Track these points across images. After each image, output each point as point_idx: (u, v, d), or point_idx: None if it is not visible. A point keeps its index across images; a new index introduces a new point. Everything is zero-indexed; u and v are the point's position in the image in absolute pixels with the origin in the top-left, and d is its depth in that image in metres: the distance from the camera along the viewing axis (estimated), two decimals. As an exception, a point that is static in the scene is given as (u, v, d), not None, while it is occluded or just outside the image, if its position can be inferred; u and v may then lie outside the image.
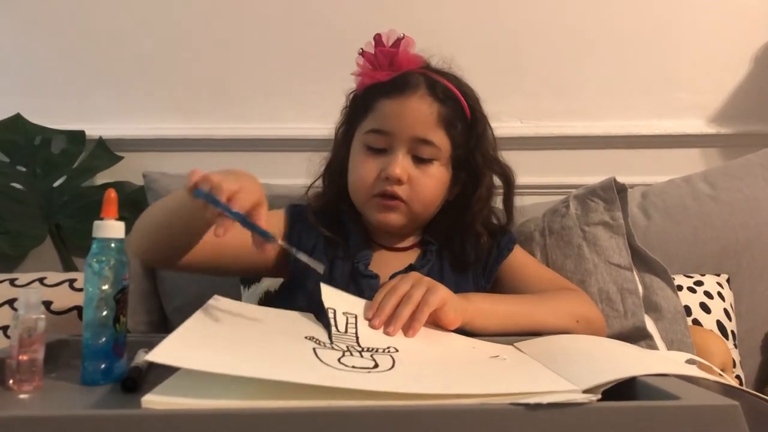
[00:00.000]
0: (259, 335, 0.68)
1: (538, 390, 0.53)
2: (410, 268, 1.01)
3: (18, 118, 1.51)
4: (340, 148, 1.09)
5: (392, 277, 0.99)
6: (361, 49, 1.01)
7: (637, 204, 1.36)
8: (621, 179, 1.18)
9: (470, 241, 1.06)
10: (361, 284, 1.00)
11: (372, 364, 0.60)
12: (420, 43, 1.03)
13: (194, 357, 0.53)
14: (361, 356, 0.63)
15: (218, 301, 0.74)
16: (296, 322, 0.74)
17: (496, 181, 1.08)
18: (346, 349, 0.65)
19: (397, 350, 0.67)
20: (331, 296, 0.80)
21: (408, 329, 0.76)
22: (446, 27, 1.55)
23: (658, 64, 1.59)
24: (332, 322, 0.73)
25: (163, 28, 1.58)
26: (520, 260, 1.09)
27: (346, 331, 0.71)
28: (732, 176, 1.37)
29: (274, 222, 1.10)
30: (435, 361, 0.69)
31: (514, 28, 1.58)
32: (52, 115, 1.54)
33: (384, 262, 1.04)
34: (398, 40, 0.99)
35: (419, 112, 0.98)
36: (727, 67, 1.60)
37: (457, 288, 0.97)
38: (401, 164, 0.98)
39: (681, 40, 1.59)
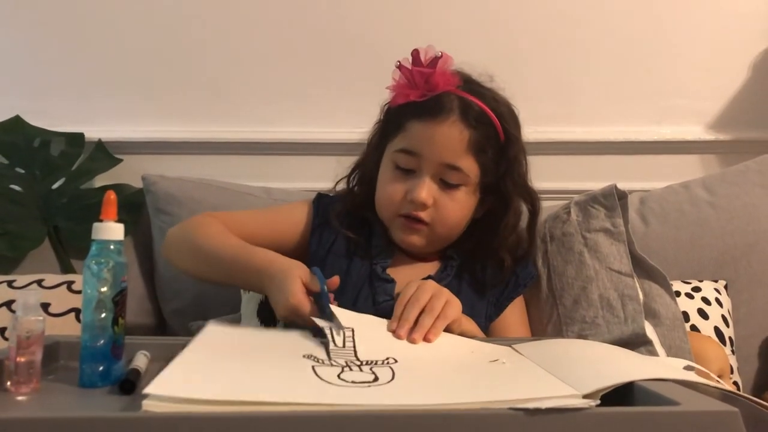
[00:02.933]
0: (257, 358, 0.68)
1: (538, 396, 0.53)
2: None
3: (17, 120, 1.51)
4: (372, 158, 1.10)
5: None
6: (398, 62, 1.00)
7: (635, 210, 1.36)
8: (619, 185, 1.18)
9: (493, 264, 1.07)
10: (376, 287, 1.01)
11: (372, 377, 0.60)
12: (418, 47, 1.01)
13: (193, 386, 0.52)
14: (361, 370, 0.63)
15: (213, 328, 0.73)
16: (293, 342, 0.74)
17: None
18: (345, 364, 0.65)
19: (396, 360, 0.67)
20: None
21: (427, 336, 0.78)
22: (445, 32, 1.55)
23: (657, 70, 1.59)
24: (330, 337, 0.73)
25: (162, 30, 1.58)
26: (517, 305, 1.11)
27: (344, 345, 0.71)
28: (730, 183, 1.37)
29: (298, 215, 1.12)
30: (434, 369, 0.69)
31: (513, 33, 1.59)
32: (51, 117, 1.53)
33: (402, 269, 1.05)
34: (435, 59, 0.97)
35: (449, 139, 0.98)
36: (725, 74, 1.60)
37: (472, 309, 0.98)
38: (427, 188, 0.99)
39: (680, 46, 1.59)
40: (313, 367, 0.62)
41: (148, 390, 0.49)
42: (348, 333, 0.74)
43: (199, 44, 1.58)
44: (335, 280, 0.87)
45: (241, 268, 0.94)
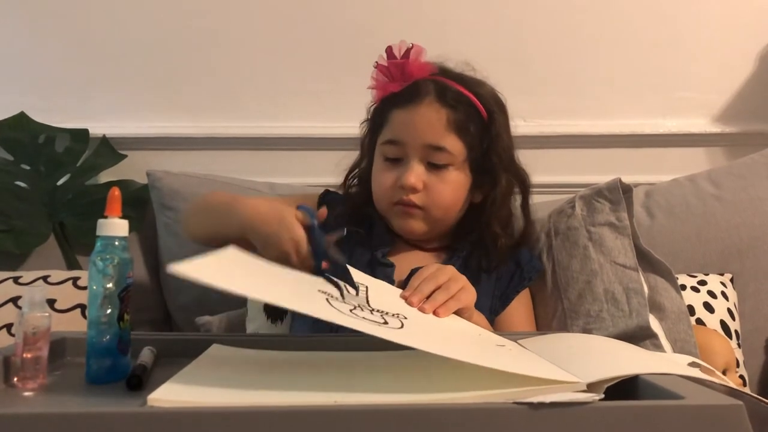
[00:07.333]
0: (275, 279, 0.70)
1: (542, 376, 0.53)
2: None
3: (22, 116, 1.52)
4: (365, 157, 1.13)
5: (413, 271, 1.00)
6: (376, 62, 1.04)
7: (640, 203, 1.35)
8: (625, 178, 1.18)
9: (490, 243, 1.08)
10: (377, 272, 1.02)
11: (382, 321, 0.62)
12: (422, 41, 1.03)
13: (218, 275, 0.54)
14: (372, 313, 0.64)
15: (232, 250, 0.73)
16: (309, 280, 0.76)
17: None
18: (357, 305, 0.66)
19: (405, 317, 0.68)
20: None
21: (437, 312, 0.77)
22: (450, 26, 1.55)
23: (663, 62, 1.58)
24: (343, 285, 0.74)
25: (167, 26, 1.58)
26: (523, 299, 1.11)
27: (357, 294, 0.73)
28: (736, 175, 1.37)
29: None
30: (441, 333, 0.71)
31: (518, 26, 1.58)
32: (56, 113, 1.54)
33: (403, 255, 1.07)
34: (408, 50, 1.02)
35: (428, 120, 1.01)
36: (731, 66, 1.59)
37: (476, 303, 0.97)
38: (415, 173, 1.01)
39: (686, 38, 1.58)
40: (327, 299, 0.64)
41: (173, 269, 0.52)
42: (362, 287, 0.76)
43: (203, 39, 1.58)
44: (323, 211, 0.86)
45: (226, 210, 0.94)
